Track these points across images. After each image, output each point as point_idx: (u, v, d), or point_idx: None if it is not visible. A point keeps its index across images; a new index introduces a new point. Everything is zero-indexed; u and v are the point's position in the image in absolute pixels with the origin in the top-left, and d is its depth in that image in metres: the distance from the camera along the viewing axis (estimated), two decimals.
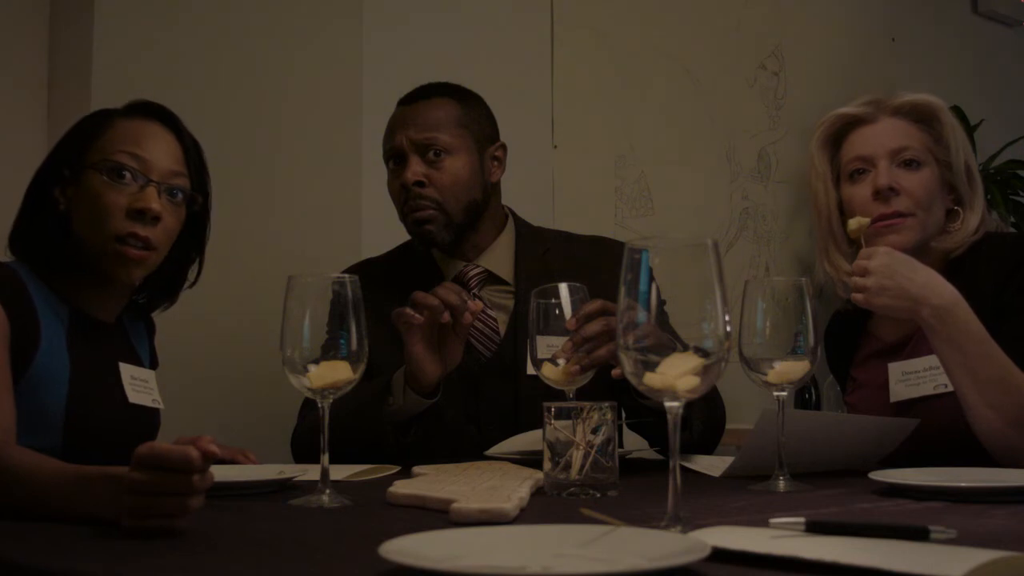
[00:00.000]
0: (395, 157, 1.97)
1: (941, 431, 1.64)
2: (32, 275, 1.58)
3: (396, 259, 2.11)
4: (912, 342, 1.79)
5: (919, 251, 1.76)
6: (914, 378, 1.74)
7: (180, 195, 1.64)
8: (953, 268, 1.78)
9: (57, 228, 1.60)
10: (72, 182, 1.60)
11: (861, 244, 1.69)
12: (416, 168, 1.92)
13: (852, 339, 1.94)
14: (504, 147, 2.05)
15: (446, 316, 1.68)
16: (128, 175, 1.58)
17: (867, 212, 1.78)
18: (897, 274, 1.57)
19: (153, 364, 1.83)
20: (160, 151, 1.61)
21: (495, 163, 2.03)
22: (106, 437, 1.57)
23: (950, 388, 1.66)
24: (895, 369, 1.77)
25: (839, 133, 1.88)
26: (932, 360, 1.70)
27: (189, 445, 1.08)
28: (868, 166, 1.81)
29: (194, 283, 1.79)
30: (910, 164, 1.79)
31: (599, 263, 1.92)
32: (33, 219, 1.63)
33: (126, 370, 1.67)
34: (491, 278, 2.00)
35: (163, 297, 1.78)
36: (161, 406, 1.73)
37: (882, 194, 1.77)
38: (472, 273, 1.99)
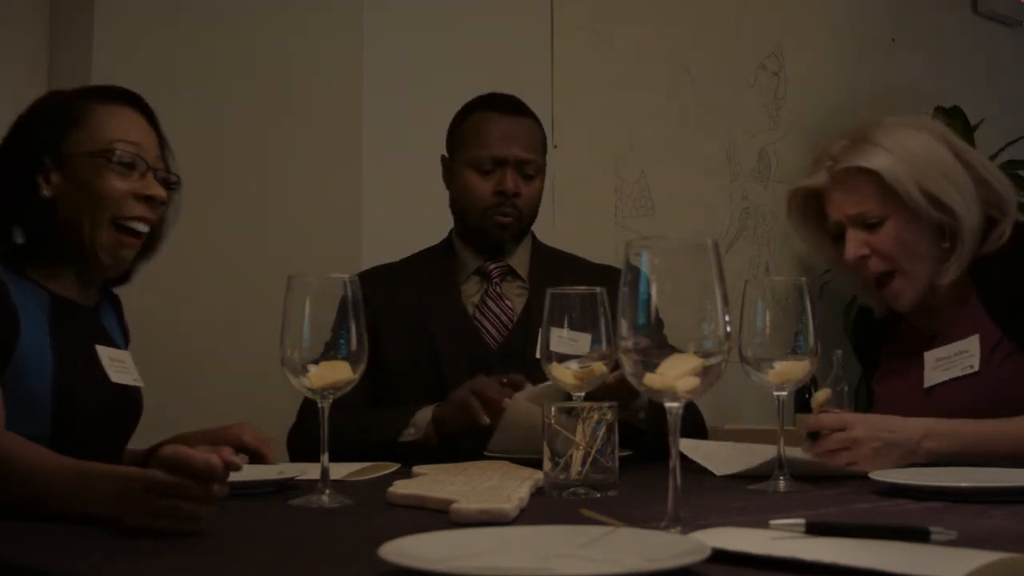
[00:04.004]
0: (492, 163, 2.10)
1: (964, 412, 1.64)
2: (5, 266, 1.58)
3: (411, 262, 2.22)
4: (944, 331, 1.79)
5: (929, 296, 1.77)
6: (945, 363, 1.76)
7: (165, 179, 1.67)
8: (981, 270, 1.76)
9: (40, 215, 1.60)
10: (57, 169, 1.60)
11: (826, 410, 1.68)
12: (516, 180, 2.09)
13: (883, 328, 1.95)
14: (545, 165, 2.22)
15: (485, 419, 1.78)
16: (133, 164, 1.61)
17: (855, 275, 1.82)
18: (880, 430, 1.55)
19: (126, 341, 1.83)
20: (147, 139, 1.65)
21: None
22: (94, 418, 1.58)
23: (976, 368, 1.69)
24: (930, 356, 1.79)
25: (812, 202, 1.87)
26: (962, 345, 1.73)
27: (213, 454, 1.09)
28: (843, 231, 1.81)
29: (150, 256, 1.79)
30: (871, 225, 1.76)
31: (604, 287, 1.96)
32: (9, 207, 1.62)
33: (103, 352, 1.67)
34: (510, 273, 2.16)
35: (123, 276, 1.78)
36: (141, 384, 1.72)
37: (855, 263, 1.77)
38: (494, 266, 2.14)
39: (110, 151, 1.59)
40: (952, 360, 1.74)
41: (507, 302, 2.11)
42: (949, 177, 1.74)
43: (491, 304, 2.10)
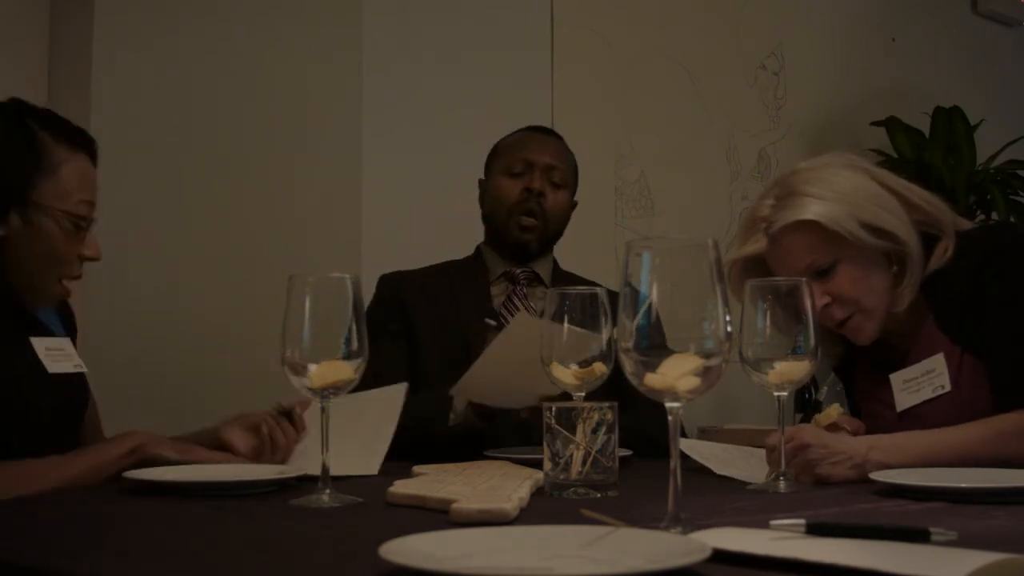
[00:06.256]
0: (523, 166, 2.24)
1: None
2: None
3: (439, 268, 2.29)
4: (907, 353, 1.79)
5: (888, 322, 1.76)
6: (914, 384, 1.75)
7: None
8: (933, 287, 1.75)
9: None
10: (18, 212, 1.58)
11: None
12: (544, 181, 2.22)
13: (853, 347, 1.94)
14: (576, 205, 2.32)
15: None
16: (86, 223, 1.63)
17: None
18: (829, 439, 1.54)
19: (71, 331, 1.81)
20: (96, 192, 1.66)
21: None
22: (37, 412, 1.58)
23: (947, 389, 1.68)
24: (896, 379, 1.78)
25: (752, 267, 1.84)
26: (928, 364, 1.72)
27: None
28: None
29: None
30: (823, 272, 1.75)
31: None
32: None
33: (39, 343, 1.65)
34: (536, 279, 2.26)
35: None
36: (84, 369, 1.71)
37: (820, 313, 1.72)
38: (521, 270, 2.24)
39: (75, 212, 1.60)
40: (921, 381, 1.73)
41: (531, 303, 2.19)
42: (881, 204, 1.74)
43: (517, 303, 2.18)
